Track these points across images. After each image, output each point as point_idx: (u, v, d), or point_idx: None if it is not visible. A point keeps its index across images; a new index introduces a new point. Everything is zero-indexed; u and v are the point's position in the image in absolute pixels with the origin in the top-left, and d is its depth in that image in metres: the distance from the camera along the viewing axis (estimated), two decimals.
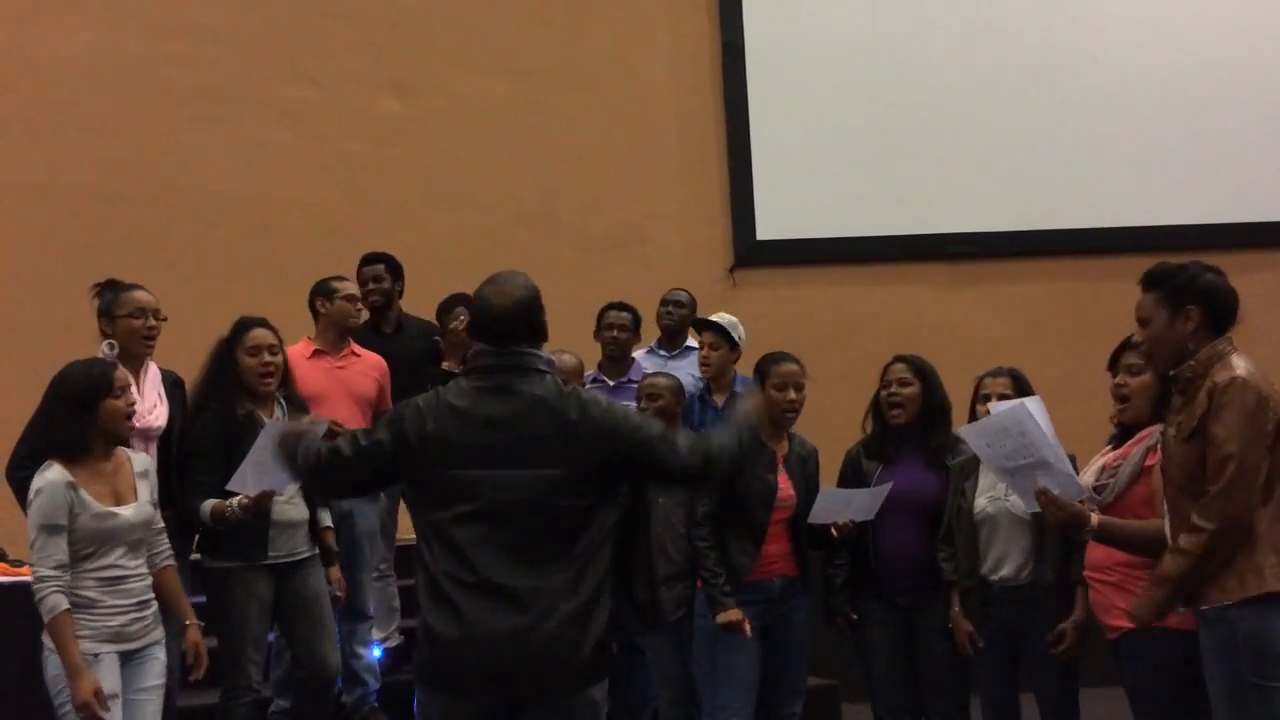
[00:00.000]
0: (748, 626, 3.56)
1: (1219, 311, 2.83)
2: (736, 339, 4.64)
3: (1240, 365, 2.75)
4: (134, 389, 3.49)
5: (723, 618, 3.58)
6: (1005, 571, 3.54)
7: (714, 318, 4.72)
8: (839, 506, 3.71)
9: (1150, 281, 2.89)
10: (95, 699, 3.00)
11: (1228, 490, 2.64)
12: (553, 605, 2.54)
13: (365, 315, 4.61)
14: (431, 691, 2.64)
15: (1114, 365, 3.32)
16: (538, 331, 2.72)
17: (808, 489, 3.83)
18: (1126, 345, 3.28)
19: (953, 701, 3.71)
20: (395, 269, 4.97)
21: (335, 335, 4.49)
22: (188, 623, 3.38)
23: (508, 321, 2.67)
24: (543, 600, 2.54)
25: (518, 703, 2.60)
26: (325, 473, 2.77)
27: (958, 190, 7.05)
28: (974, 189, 7.06)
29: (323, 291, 4.50)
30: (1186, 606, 2.79)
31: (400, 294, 4.99)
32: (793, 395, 3.76)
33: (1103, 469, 3.25)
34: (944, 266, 7.02)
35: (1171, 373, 2.87)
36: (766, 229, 6.98)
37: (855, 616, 3.79)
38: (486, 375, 2.67)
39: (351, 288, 4.54)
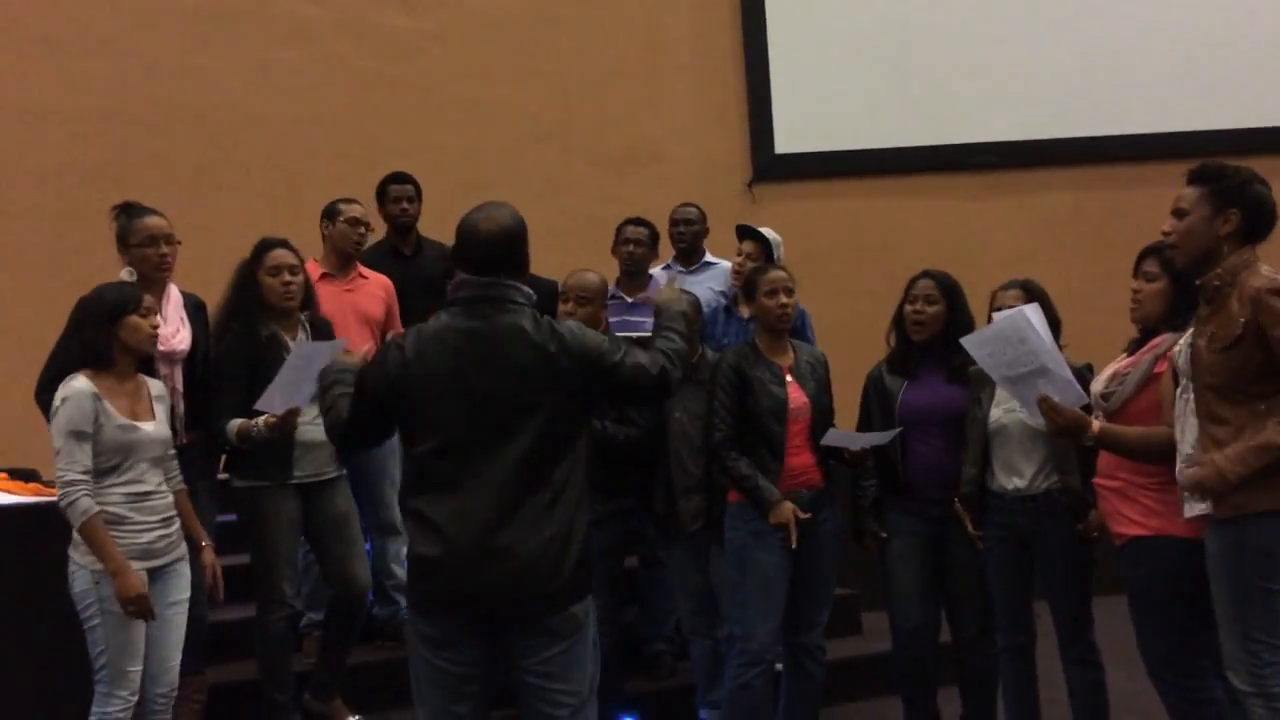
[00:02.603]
0: (792, 528, 3.55)
1: (1257, 222, 2.83)
2: (776, 258, 4.58)
3: (1270, 270, 2.76)
4: (174, 317, 3.53)
5: (774, 517, 3.57)
6: (1018, 481, 3.54)
7: (761, 229, 4.64)
8: (848, 440, 3.72)
9: (1200, 176, 2.87)
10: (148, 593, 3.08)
11: None
12: (533, 531, 2.59)
13: (368, 238, 4.52)
14: (420, 615, 2.70)
15: (1137, 269, 3.32)
16: (519, 263, 2.73)
17: (821, 395, 3.82)
18: (1148, 252, 3.27)
19: (980, 612, 3.74)
20: (418, 191, 4.95)
21: (338, 258, 4.46)
22: (203, 544, 3.45)
23: (491, 248, 2.68)
24: (523, 525, 2.59)
25: (500, 622, 2.66)
26: (341, 436, 2.85)
27: (980, 100, 6.92)
28: (996, 98, 6.93)
29: (326, 213, 4.48)
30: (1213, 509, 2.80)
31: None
32: (784, 299, 3.76)
33: (1113, 376, 3.25)
34: (967, 177, 6.92)
35: (1198, 281, 2.86)
36: (785, 142, 6.89)
37: (885, 535, 3.80)
38: (467, 306, 2.69)
39: (356, 210, 4.46)
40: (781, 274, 3.83)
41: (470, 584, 2.60)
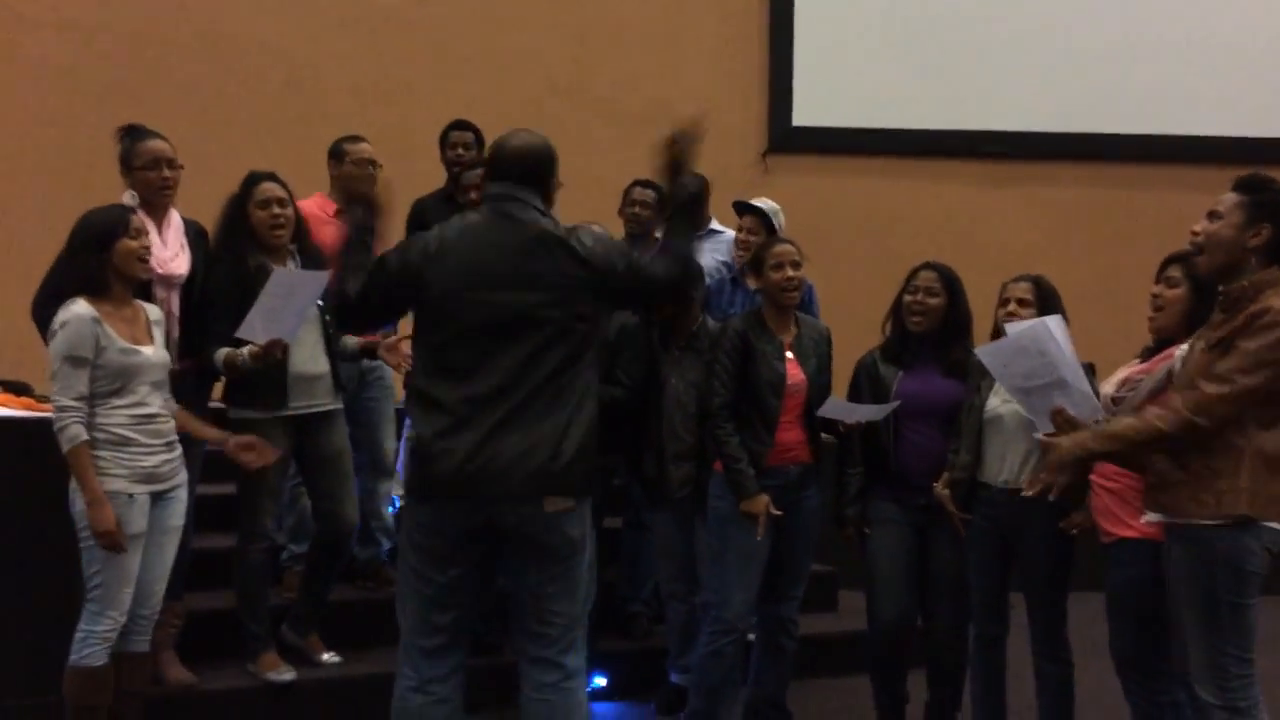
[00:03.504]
0: (762, 521, 3.58)
1: None
2: (777, 226, 4.56)
3: None
4: (154, 235, 3.52)
5: (747, 505, 3.60)
6: (1006, 474, 3.55)
7: (756, 202, 4.59)
8: (846, 412, 3.72)
9: (1243, 185, 2.83)
10: (118, 529, 3.09)
11: (1225, 398, 2.64)
12: (539, 419, 2.69)
13: (374, 180, 4.43)
14: (416, 503, 2.79)
15: (1161, 274, 3.30)
16: (546, 185, 2.87)
17: (819, 372, 3.81)
18: (1173, 259, 3.25)
19: (958, 603, 3.75)
20: (481, 140, 4.92)
21: (345, 198, 4.39)
22: (226, 439, 3.46)
23: (519, 160, 2.83)
24: (530, 414, 2.68)
25: (496, 531, 2.73)
26: (347, 312, 2.95)
27: (999, 88, 6.88)
28: (1016, 87, 6.89)
29: (334, 153, 4.45)
30: (1153, 512, 2.82)
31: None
32: (790, 273, 3.73)
33: (1124, 381, 3.24)
34: (979, 165, 6.89)
35: (1222, 288, 2.83)
36: (803, 115, 6.85)
37: (867, 530, 3.79)
38: (493, 203, 2.82)
39: (364, 150, 4.42)
40: (789, 247, 3.79)
41: (469, 474, 2.66)
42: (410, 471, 2.83)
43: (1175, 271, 3.22)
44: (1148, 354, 3.31)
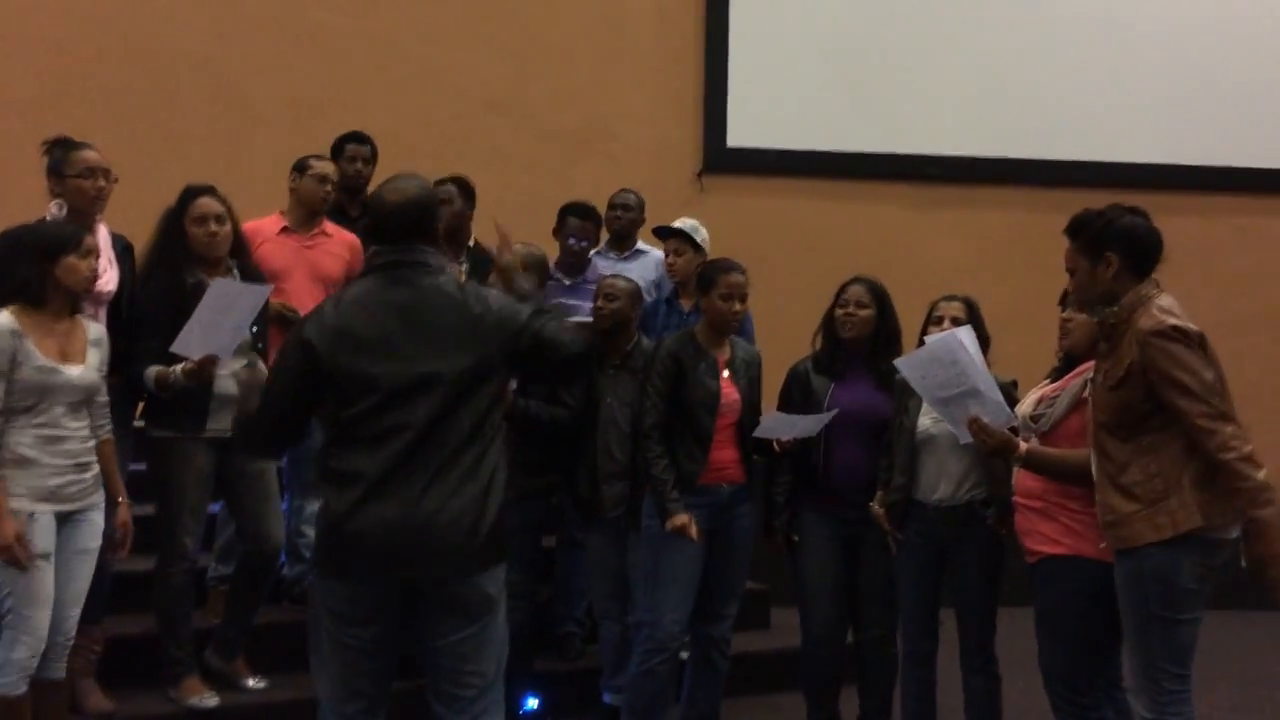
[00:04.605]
0: (694, 530, 3.60)
1: (1139, 254, 2.86)
2: (699, 241, 4.60)
3: (1163, 306, 2.78)
4: (102, 257, 3.44)
5: (672, 524, 3.62)
6: (941, 492, 3.60)
7: (675, 224, 4.65)
8: (784, 427, 3.75)
9: (1070, 231, 2.93)
10: (17, 544, 2.98)
11: (1227, 415, 2.68)
12: (457, 492, 2.61)
13: (332, 196, 4.51)
14: (331, 581, 2.68)
15: (1064, 300, 3.37)
16: (430, 231, 2.79)
17: (751, 393, 3.85)
18: None
19: (885, 614, 3.80)
20: (374, 153, 4.90)
21: (304, 213, 4.43)
22: (120, 500, 3.38)
23: (399, 219, 2.73)
24: (448, 488, 2.61)
25: (414, 590, 2.67)
26: (254, 431, 2.91)
27: (932, 112, 7.00)
28: (948, 112, 7.01)
29: (296, 167, 4.46)
30: (1115, 544, 2.86)
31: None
32: (737, 307, 3.78)
33: (1040, 399, 3.31)
34: (911, 188, 6.99)
35: (1097, 320, 2.92)
36: (738, 136, 6.90)
37: (796, 538, 3.84)
38: (386, 271, 2.73)
39: (325, 168, 4.45)
40: (741, 279, 3.80)
41: (390, 548, 2.58)
42: (323, 548, 2.70)
43: None
44: (1057, 374, 3.38)
